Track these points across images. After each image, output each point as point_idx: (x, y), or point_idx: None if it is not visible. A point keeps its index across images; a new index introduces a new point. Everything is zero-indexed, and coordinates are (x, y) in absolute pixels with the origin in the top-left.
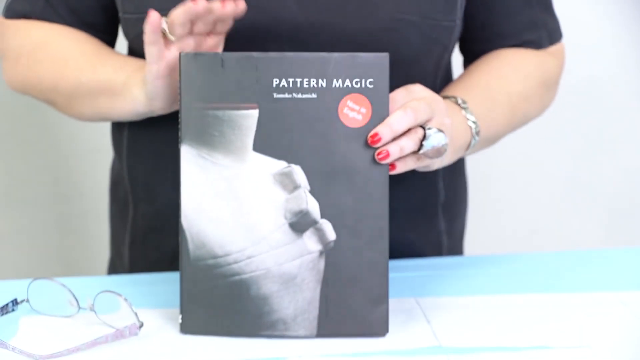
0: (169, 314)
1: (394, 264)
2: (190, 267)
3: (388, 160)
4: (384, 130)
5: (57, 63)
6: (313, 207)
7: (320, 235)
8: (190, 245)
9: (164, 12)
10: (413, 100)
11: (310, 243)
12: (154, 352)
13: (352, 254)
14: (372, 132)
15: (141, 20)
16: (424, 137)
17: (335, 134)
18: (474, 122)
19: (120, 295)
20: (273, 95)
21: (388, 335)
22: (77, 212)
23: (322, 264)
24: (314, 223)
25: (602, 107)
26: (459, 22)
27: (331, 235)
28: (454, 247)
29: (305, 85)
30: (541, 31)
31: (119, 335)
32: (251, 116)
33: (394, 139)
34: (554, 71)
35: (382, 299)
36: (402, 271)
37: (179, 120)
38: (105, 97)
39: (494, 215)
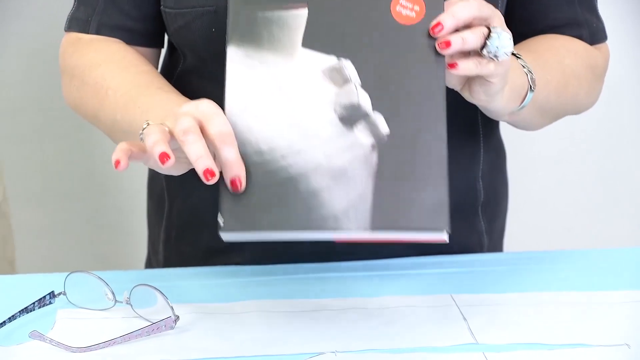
0: (205, 309)
1: (429, 260)
2: None
3: (449, 51)
4: (446, 19)
5: (100, 92)
6: (364, 100)
7: (373, 128)
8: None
9: (201, 8)
10: None
11: (361, 137)
12: (190, 346)
13: (407, 148)
14: (434, 22)
15: (179, 15)
16: (489, 37)
17: (388, 31)
18: (529, 72)
19: (156, 288)
20: None
21: (423, 332)
22: (114, 206)
23: (374, 158)
24: (365, 116)
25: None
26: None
27: (384, 128)
28: (494, 247)
29: None
30: (583, 29)
31: (155, 328)
32: (301, 15)
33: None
34: (600, 62)
35: (441, 194)
36: (438, 268)
37: (227, 23)
38: (137, 139)
39: (531, 213)
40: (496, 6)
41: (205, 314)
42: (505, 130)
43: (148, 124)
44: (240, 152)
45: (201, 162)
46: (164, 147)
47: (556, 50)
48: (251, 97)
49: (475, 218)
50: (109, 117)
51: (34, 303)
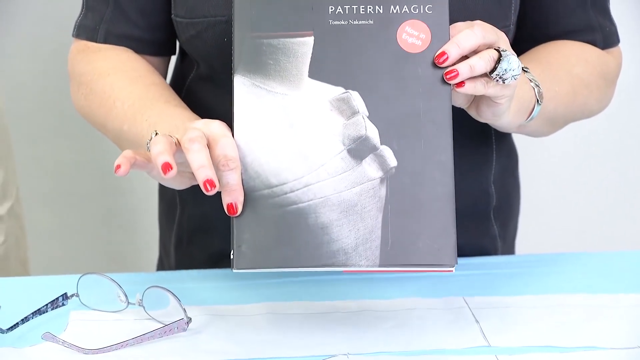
0: (217, 311)
1: None
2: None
3: (457, 80)
4: (451, 48)
5: (108, 101)
6: (372, 132)
7: (381, 161)
8: (243, 176)
9: (212, 18)
10: (479, 22)
11: (370, 170)
12: (202, 348)
13: (415, 181)
14: (439, 51)
15: (191, 25)
16: (498, 60)
17: (394, 60)
18: (536, 85)
19: (169, 290)
20: (329, 22)
21: (436, 334)
22: (126, 207)
23: (383, 191)
24: (374, 149)
25: None
26: (513, 27)
27: (392, 161)
28: (508, 250)
29: (362, 12)
30: (596, 34)
31: (167, 330)
32: (306, 43)
33: (463, 59)
34: (612, 67)
35: (448, 228)
36: None
37: (232, 51)
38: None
39: (543, 215)
40: (509, 12)
41: (217, 316)
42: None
43: (156, 134)
44: (250, 185)
45: (202, 171)
46: (167, 158)
47: (566, 59)
48: (259, 128)
49: (488, 222)
50: (116, 127)
51: (46, 305)
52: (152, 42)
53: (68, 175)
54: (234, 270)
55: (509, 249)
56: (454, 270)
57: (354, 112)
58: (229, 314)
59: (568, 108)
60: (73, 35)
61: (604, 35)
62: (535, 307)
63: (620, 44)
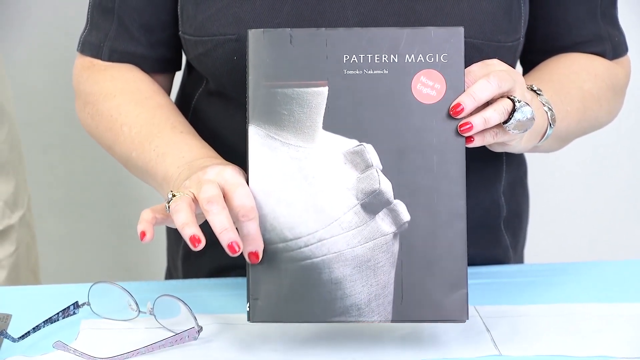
0: (228, 319)
1: None
2: None
3: (472, 132)
4: (467, 100)
5: (115, 125)
6: (386, 186)
7: (394, 216)
8: (260, 229)
9: (222, 37)
10: (495, 70)
11: (383, 224)
12: (213, 356)
13: (428, 236)
14: (454, 103)
15: (200, 42)
16: (513, 109)
17: (409, 111)
18: (549, 109)
19: (179, 299)
20: (343, 72)
21: (447, 343)
22: (136, 216)
23: (396, 246)
24: (387, 204)
25: None
26: (522, 39)
27: (405, 216)
28: (518, 259)
29: (376, 61)
30: (606, 44)
31: (178, 339)
32: (321, 93)
33: (477, 111)
34: (621, 78)
35: (460, 283)
36: None
37: (247, 99)
38: (151, 180)
39: (554, 224)
40: (519, 26)
41: (228, 324)
42: None
43: (173, 195)
44: (265, 238)
45: (226, 235)
46: (194, 230)
47: (576, 76)
48: (274, 180)
49: (499, 233)
50: (124, 153)
51: (58, 313)
52: (157, 59)
53: (79, 184)
54: (250, 322)
55: (519, 259)
56: (465, 322)
57: (368, 166)
58: (240, 322)
59: (579, 125)
60: (78, 50)
61: (613, 46)
62: (546, 316)
63: (628, 52)
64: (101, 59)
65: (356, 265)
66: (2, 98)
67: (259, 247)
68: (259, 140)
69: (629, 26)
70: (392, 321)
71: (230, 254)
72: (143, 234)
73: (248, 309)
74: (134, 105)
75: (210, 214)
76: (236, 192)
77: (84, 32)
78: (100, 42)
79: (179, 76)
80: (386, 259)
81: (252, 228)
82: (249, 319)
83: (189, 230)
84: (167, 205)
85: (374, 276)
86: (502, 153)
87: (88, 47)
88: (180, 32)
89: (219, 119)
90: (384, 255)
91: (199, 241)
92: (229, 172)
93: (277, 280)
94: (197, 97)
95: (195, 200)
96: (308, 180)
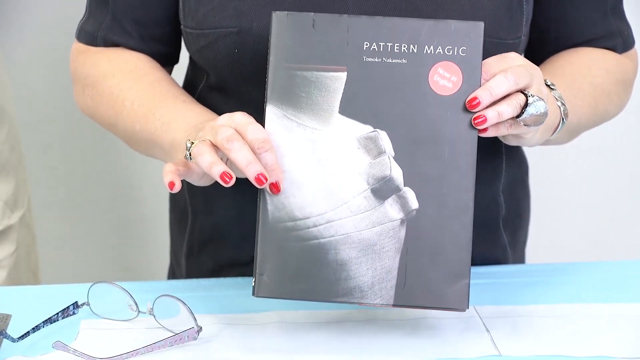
0: (228, 319)
1: None
2: (267, 229)
3: (485, 126)
4: (483, 95)
5: (116, 102)
6: (397, 174)
7: (403, 203)
8: (270, 207)
9: (223, 29)
10: (512, 66)
11: (391, 211)
12: (213, 356)
13: (435, 225)
14: (470, 96)
15: (202, 35)
16: (526, 104)
17: (424, 101)
18: (562, 104)
19: (179, 299)
20: (363, 59)
21: (446, 343)
22: (137, 216)
23: (402, 232)
24: (396, 190)
25: None
26: (524, 38)
27: (414, 203)
28: (518, 259)
29: (396, 50)
30: (616, 39)
31: (178, 339)
32: (339, 78)
33: (492, 104)
34: (631, 72)
35: (463, 273)
36: None
37: (266, 79)
38: (157, 150)
39: (555, 224)
40: (520, 24)
41: (228, 324)
42: None
43: (192, 143)
44: (275, 216)
45: (252, 167)
46: (223, 167)
47: (588, 71)
48: (288, 160)
49: (498, 232)
50: (128, 128)
51: (57, 313)
52: (150, 53)
53: (79, 184)
54: (254, 296)
55: (519, 258)
56: (465, 311)
57: (381, 152)
58: (240, 322)
59: (590, 119)
60: (75, 36)
61: (623, 40)
62: (546, 317)
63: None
64: (96, 46)
65: (362, 248)
66: (2, 98)
67: (279, 177)
68: (275, 120)
69: (634, 22)
70: (394, 305)
71: (258, 186)
72: (172, 184)
73: (253, 284)
74: (133, 81)
75: (232, 151)
76: (248, 128)
77: (82, 18)
78: (95, 31)
79: (182, 74)
80: (392, 245)
81: (270, 158)
82: (253, 294)
83: (218, 169)
84: (187, 153)
85: (378, 260)
86: (501, 151)
87: (84, 35)
88: (182, 26)
89: (221, 113)
90: (390, 240)
91: (230, 177)
92: (238, 115)
93: (284, 258)
94: (199, 93)
95: (213, 146)
96: (321, 163)
